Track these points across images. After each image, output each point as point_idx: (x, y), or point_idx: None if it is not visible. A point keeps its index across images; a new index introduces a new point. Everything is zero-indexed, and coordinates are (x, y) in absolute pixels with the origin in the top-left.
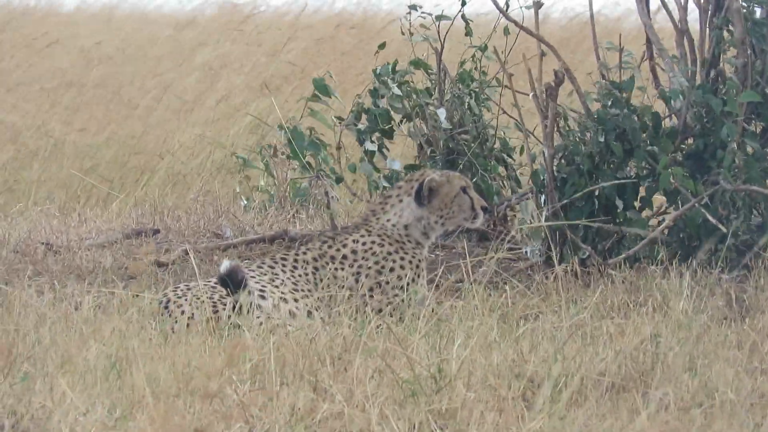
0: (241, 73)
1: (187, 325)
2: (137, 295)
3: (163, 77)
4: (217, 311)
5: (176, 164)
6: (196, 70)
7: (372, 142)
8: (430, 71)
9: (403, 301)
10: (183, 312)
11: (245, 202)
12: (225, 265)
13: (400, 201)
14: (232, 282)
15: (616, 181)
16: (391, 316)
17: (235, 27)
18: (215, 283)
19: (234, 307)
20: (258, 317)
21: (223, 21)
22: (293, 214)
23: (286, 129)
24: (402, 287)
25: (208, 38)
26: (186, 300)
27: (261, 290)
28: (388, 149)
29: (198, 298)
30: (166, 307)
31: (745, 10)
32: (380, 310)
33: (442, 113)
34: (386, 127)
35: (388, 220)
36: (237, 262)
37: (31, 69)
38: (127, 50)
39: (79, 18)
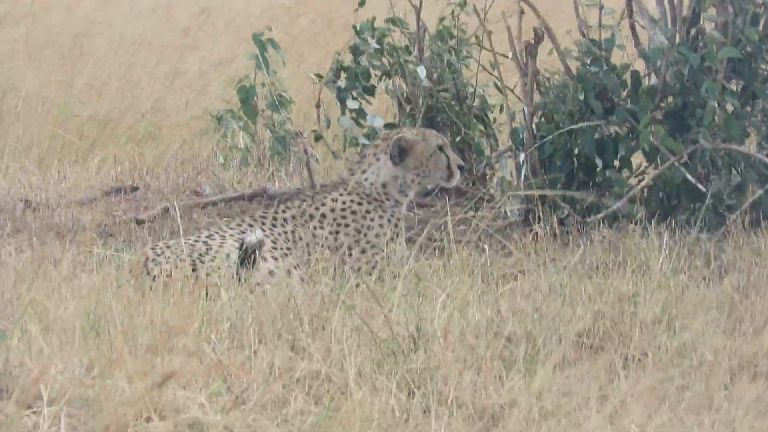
0: (224, 29)
1: (168, 284)
2: (116, 253)
3: (141, 31)
4: (196, 269)
5: (155, 121)
6: (177, 25)
7: (354, 99)
8: (407, 29)
9: (382, 259)
10: (161, 270)
11: (222, 161)
12: (254, 236)
13: (377, 159)
14: (252, 252)
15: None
16: (370, 275)
17: None
18: (195, 241)
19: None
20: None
21: None
22: (272, 172)
23: (244, 88)
24: (381, 245)
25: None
26: (165, 258)
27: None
28: (370, 103)
29: (177, 256)
30: (145, 265)
31: None
32: (359, 269)
33: (422, 71)
34: (367, 85)
35: (365, 179)
36: (263, 239)
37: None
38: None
39: None
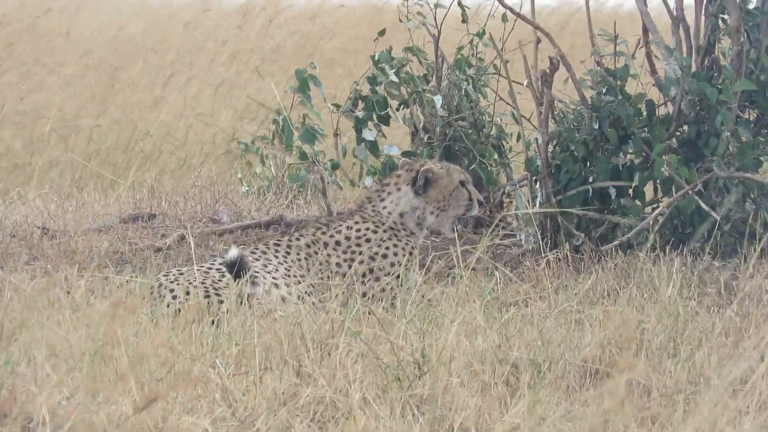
0: (243, 59)
1: (179, 310)
2: (129, 280)
3: (169, 63)
4: (209, 296)
5: (178, 149)
6: (203, 57)
7: (369, 129)
8: (425, 59)
9: (394, 287)
10: (175, 297)
11: (246, 188)
12: (232, 252)
13: (398, 189)
14: (239, 269)
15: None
16: (382, 301)
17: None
18: (209, 268)
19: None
20: (258, 303)
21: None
22: (290, 200)
23: (276, 119)
24: (394, 274)
25: (217, 27)
26: (178, 285)
27: (253, 276)
28: (385, 136)
29: (190, 283)
30: (158, 292)
31: None
32: (372, 296)
33: (438, 100)
34: (382, 113)
35: (384, 207)
36: (243, 252)
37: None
38: (132, 37)
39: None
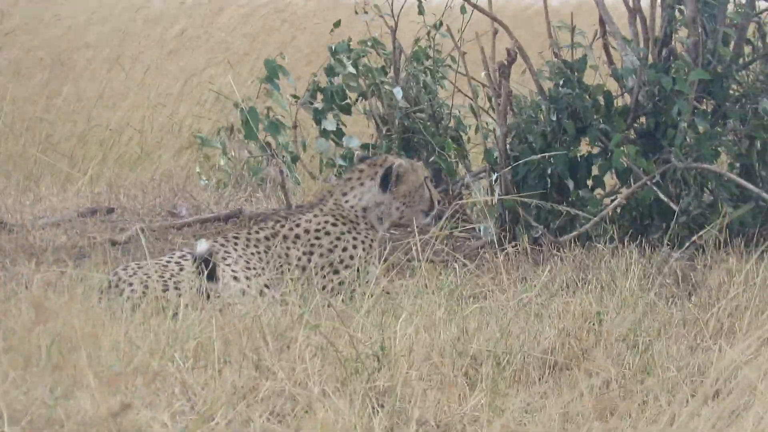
0: (203, 48)
1: (138, 304)
2: (87, 274)
3: (124, 52)
4: (167, 290)
5: (137, 142)
6: (157, 45)
7: (328, 120)
8: (382, 50)
9: (353, 280)
10: (133, 291)
11: (204, 182)
12: (202, 246)
13: (362, 184)
14: (206, 263)
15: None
16: (341, 294)
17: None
18: (167, 261)
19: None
20: (216, 297)
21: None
22: (250, 193)
23: (243, 108)
24: (353, 266)
25: (169, 14)
26: (136, 278)
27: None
28: (345, 125)
29: (148, 277)
30: (116, 286)
31: None
32: (332, 289)
33: (398, 92)
34: (343, 103)
35: (346, 201)
36: (212, 246)
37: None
38: (87, 24)
39: None
